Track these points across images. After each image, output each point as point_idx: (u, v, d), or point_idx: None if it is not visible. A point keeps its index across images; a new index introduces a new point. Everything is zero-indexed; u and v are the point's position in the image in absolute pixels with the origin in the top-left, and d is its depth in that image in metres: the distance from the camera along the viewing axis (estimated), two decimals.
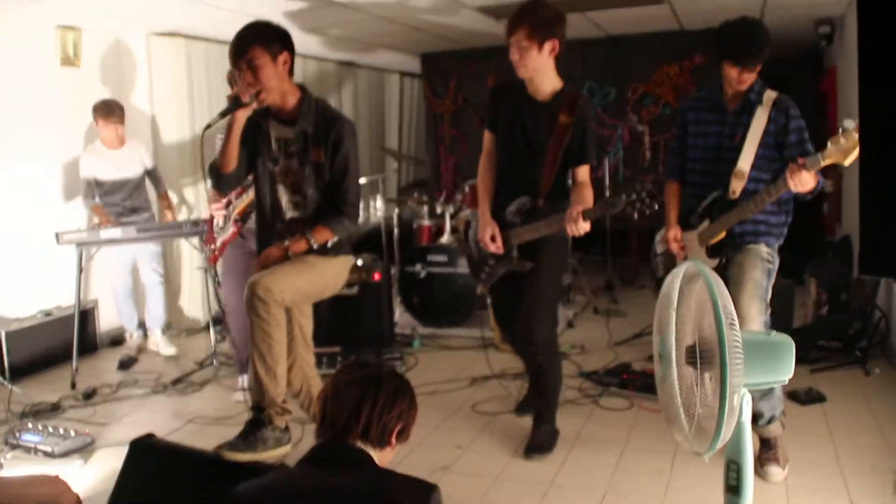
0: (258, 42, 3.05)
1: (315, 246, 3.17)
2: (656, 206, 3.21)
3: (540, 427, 3.71)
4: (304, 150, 3.21)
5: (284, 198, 3.31)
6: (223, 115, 3.07)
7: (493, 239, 3.52)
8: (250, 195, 4.28)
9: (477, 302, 5.60)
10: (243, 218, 4.44)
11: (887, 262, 1.15)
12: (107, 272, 5.66)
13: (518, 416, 4.08)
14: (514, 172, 3.57)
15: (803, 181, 2.90)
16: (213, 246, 4.63)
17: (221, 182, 3.25)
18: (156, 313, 5.63)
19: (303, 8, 5.24)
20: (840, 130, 2.80)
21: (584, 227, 3.24)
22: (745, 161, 3.22)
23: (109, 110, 5.26)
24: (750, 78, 3.19)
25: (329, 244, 3.24)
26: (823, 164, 2.88)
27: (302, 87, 3.26)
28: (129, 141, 5.45)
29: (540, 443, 3.65)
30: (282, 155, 3.26)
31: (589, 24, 6.44)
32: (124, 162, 5.39)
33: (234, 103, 3.05)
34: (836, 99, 6.93)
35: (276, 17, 5.36)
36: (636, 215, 3.20)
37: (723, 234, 3.29)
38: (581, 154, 3.45)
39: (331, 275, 3.32)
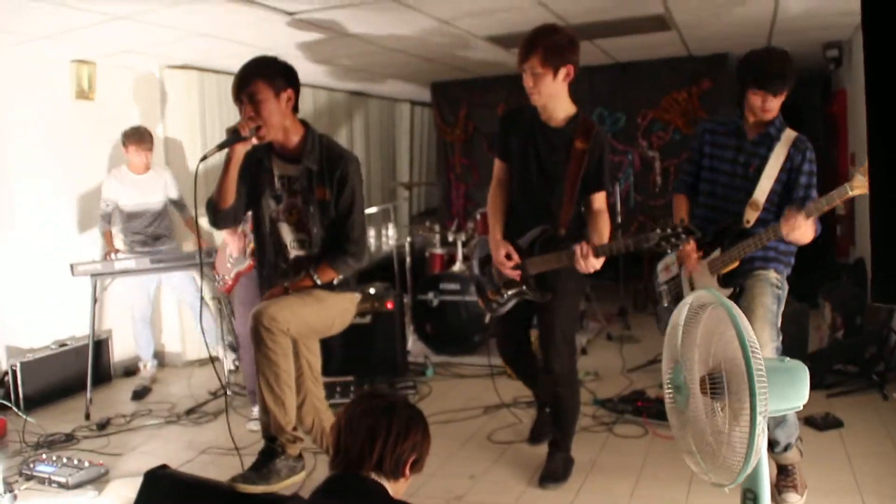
0: (261, 77, 3.01)
1: (319, 283, 3.14)
2: (691, 242, 3.17)
3: (555, 455, 3.68)
4: (308, 188, 3.14)
5: (289, 236, 3.25)
6: (220, 147, 3.00)
7: (508, 258, 3.45)
8: None
9: (489, 330, 5.59)
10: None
11: None
12: (125, 298, 5.68)
13: (531, 445, 4.05)
14: (528, 200, 3.52)
15: (796, 226, 2.93)
16: (225, 276, 4.65)
17: (218, 218, 3.16)
18: (209, 329, 5.55)
19: (315, 39, 5.30)
20: (849, 177, 2.82)
21: (595, 264, 3.21)
22: (761, 193, 3.21)
23: (140, 137, 5.32)
24: (774, 106, 3.18)
25: (335, 281, 3.22)
26: (817, 213, 2.92)
27: (305, 124, 3.21)
28: (155, 167, 5.50)
29: (555, 471, 3.63)
30: (285, 192, 3.20)
31: (597, 51, 6.48)
32: (148, 188, 5.44)
33: (233, 137, 2.99)
34: (845, 122, 6.93)
35: (289, 49, 5.44)
36: (669, 250, 3.13)
37: (736, 264, 3.27)
38: (597, 181, 3.42)
39: (337, 310, 3.28)
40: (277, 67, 3.08)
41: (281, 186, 3.20)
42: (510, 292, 3.59)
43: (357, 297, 3.43)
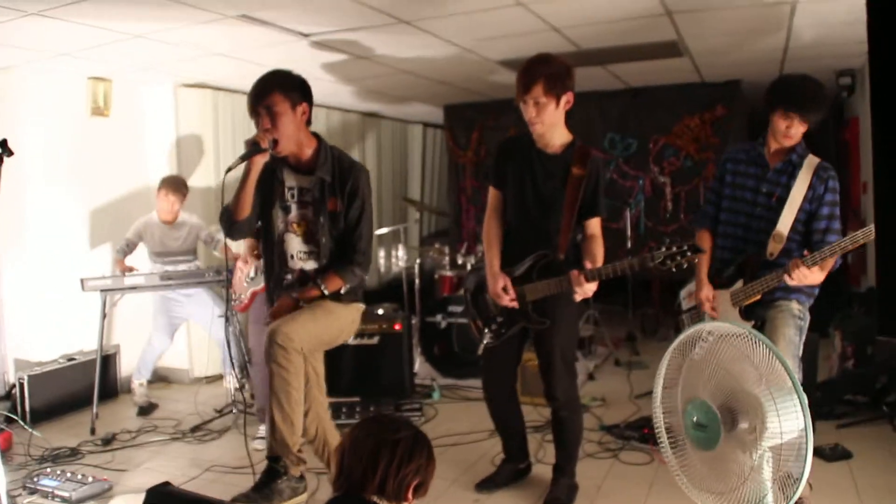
0: (278, 89, 3.10)
1: (326, 293, 3.17)
2: (696, 260, 3.12)
3: (559, 481, 3.66)
4: (321, 199, 3.22)
5: (296, 247, 3.30)
6: (243, 159, 3.08)
7: (505, 290, 3.43)
8: None
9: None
10: None
11: None
12: (140, 319, 5.70)
13: (477, 491, 3.80)
14: (525, 228, 3.51)
15: (803, 279, 2.95)
16: (242, 295, 4.65)
17: (233, 229, 3.25)
18: (236, 356, 5.55)
19: (329, 61, 5.34)
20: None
21: (590, 287, 3.21)
22: (784, 224, 3.19)
23: (174, 186, 5.38)
24: (798, 133, 3.17)
25: (343, 290, 3.25)
26: (821, 262, 2.92)
27: (318, 137, 3.28)
28: (182, 216, 5.51)
29: (559, 497, 3.59)
30: (295, 203, 3.27)
31: (609, 76, 6.51)
32: (175, 236, 5.48)
33: (253, 149, 3.06)
34: (857, 150, 6.91)
35: (303, 70, 5.48)
36: (674, 269, 3.06)
37: (758, 297, 3.25)
38: (594, 206, 3.43)
39: (346, 321, 3.33)
40: (294, 81, 3.18)
41: (290, 197, 3.28)
42: (507, 322, 3.55)
43: (362, 307, 3.47)
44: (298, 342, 3.02)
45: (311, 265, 3.30)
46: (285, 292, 3.27)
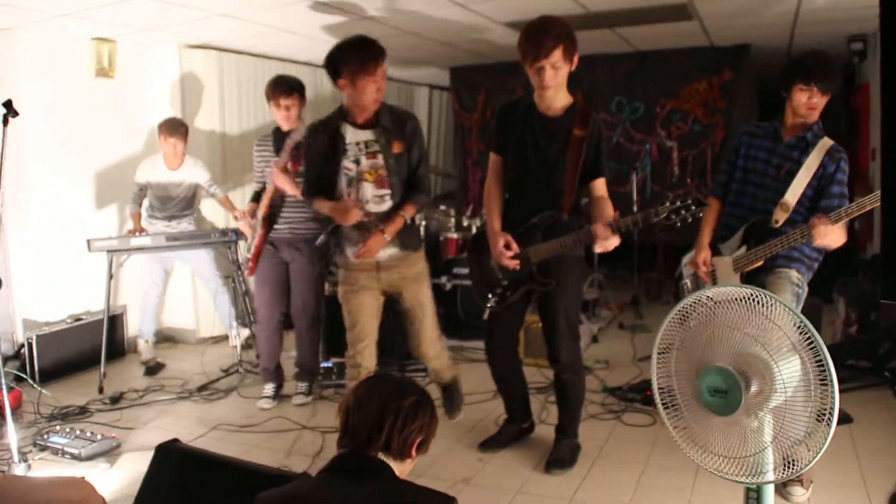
0: (383, 59, 3.53)
1: (408, 220, 3.63)
2: (701, 214, 3.10)
3: (562, 442, 3.70)
4: (386, 146, 3.55)
5: (370, 193, 3.58)
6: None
7: (507, 248, 3.43)
8: (269, 191, 4.44)
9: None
10: (271, 215, 4.52)
11: None
12: (142, 277, 5.74)
13: (481, 450, 3.90)
14: (528, 190, 3.52)
15: (826, 234, 2.96)
16: (248, 256, 4.71)
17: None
18: (224, 317, 5.73)
19: (334, 22, 5.30)
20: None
21: (614, 241, 3.19)
22: (793, 195, 3.20)
23: (172, 127, 5.39)
24: (819, 104, 3.18)
25: (415, 218, 3.78)
26: (846, 219, 2.93)
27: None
28: (188, 159, 5.52)
29: (561, 457, 3.65)
30: (364, 155, 3.57)
31: (618, 39, 6.44)
32: (177, 181, 5.50)
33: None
34: (867, 116, 6.86)
35: (308, 31, 5.45)
36: (679, 223, 3.01)
37: (761, 263, 3.26)
38: (597, 167, 3.42)
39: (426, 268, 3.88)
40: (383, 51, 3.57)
41: (359, 150, 3.58)
42: (511, 285, 3.56)
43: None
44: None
45: (385, 206, 3.59)
46: (368, 233, 3.56)
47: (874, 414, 4.20)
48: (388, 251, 3.63)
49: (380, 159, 3.56)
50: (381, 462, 1.85)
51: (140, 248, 5.16)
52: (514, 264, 3.45)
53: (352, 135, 3.58)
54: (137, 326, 5.73)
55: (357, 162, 3.57)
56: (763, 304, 1.89)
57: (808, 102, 3.17)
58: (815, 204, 3.20)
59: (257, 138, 4.80)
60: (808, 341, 1.82)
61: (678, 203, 2.99)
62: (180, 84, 6.14)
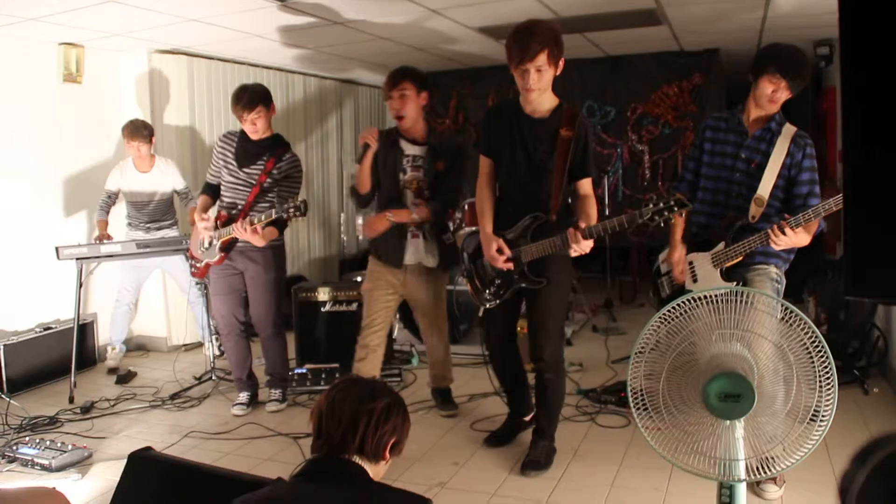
0: (411, 79, 4.09)
1: (416, 217, 4.11)
2: (682, 215, 3.21)
3: (538, 444, 3.71)
4: (430, 163, 4.12)
5: (410, 200, 4.15)
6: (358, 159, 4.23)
7: (500, 252, 3.50)
8: (232, 232, 4.29)
9: (476, 319, 5.59)
10: (227, 247, 4.44)
11: (872, 285, 1.17)
12: (114, 284, 5.68)
13: (487, 445, 4.00)
14: (518, 192, 3.57)
15: (784, 241, 3.05)
16: (197, 263, 4.63)
17: (360, 201, 4.29)
18: (201, 325, 5.61)
19: (305, 26, 5.28)
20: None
21: (587, 245, 3.27)
22: (765, 188, 3.24)
23: (132, 130, 5.31)
24: (782, 98, 3.22)
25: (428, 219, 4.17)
26: (805, 224, 3.00)
27: (427, 121, 4.26)
28: (158, 161, 5.46)
29: (537, 459, 3.66)
30: (409, 167, 4.14)
31: (588, 44, 6.49)
32: (150, 184, 5.44)
33: (363, 149, 4.17)
34: (834, 119, 6.97)
35: (278, 36, 5.43)
36: (662, 224, 3.12)
37: (740, 258, 3.30)
38: (584, 167, 3.49)
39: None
40: (422, 74, 4.19)
41: (407, 163, 4.15)
42: (504, 284, 3.63)
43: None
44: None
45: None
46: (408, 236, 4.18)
47: (844, 411, 4.23)
48: (417, 259, 4.18)
49: (420, 173, 4.15)
50: (356, 465, 1.84)
51: (110, 256, 5.10)
52: (506, 266, 3.52)
53: (407, 148, 4.18)
54: (107, 334, 5.66)
55: (405, 171, 4.16)
56: (762, 303, 1.92)
57: (771, 95, 3.21)
58: (788, 194, 3.26)
59: (225, 132, 4.67)
60: (800, 341, 1.84)
61: (661, 205, 3.08)
62: (149, 89, 6.08)
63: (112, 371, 5.44)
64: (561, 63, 3.38)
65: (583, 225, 3.28)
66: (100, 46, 5.71)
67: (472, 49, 6.44)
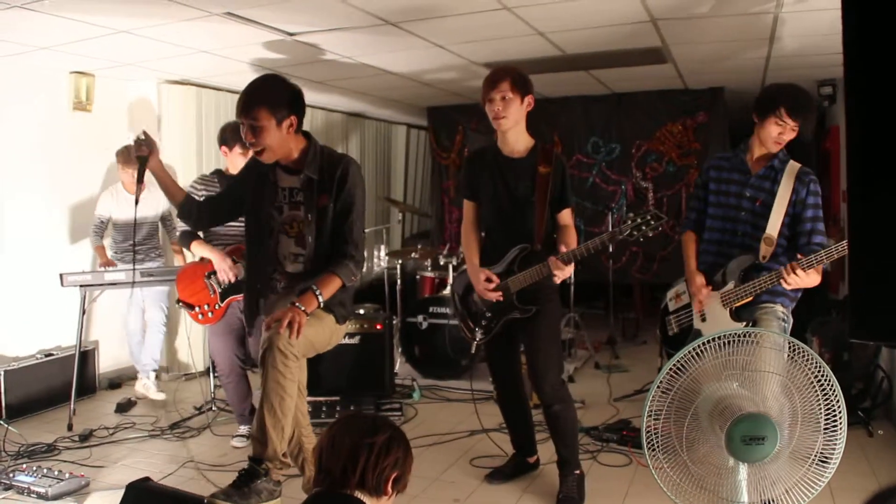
0: (266, 106, 3.02)
1: (322, 300, 3.04)
2: (660, 228, 3.32)
3: (567, 478, 3.69)
4: (310, 197, 3.17)
5: (288, 249, 3.25)
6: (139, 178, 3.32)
7: (489, 282, 3.57)
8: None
9: (478, 355, 5.58)
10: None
11: (876, 327, 1.16)
12: (118, 315, 5.69)
13: (489, 482, 3.96)
14: (503, 229, 3.66)
15: (795, 282, 3.05)
16: (206, 308, 4.48)
17: (182, 213, 3.56)
18: (153, 355, 5.60)
19: (315, 61, 5.34)
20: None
21: (568, 270, 3.36)
22: (773, 227, 3.25)
23: (127, 158, 5.31)
24: (787, 139, 3.24)
25: (339, 296, 3.17)
26: (818, 265, 2.99)
27: (308, 136, 3.22)
28: (149, 186, 5.49)
29: (571, 496, 3.63)
30: (286, 204, 3.23)
31: (594, 81, 6.54)
32: (140, 209, 5.43)
33: (140, 162, 3.29)
34: (838, 158, 6.99)
35: (288, 69, 5.48)
36: (641, 239, 3.33)
37: (750, 298, 3.29)
38: (563, 199, 3.61)
39: (337, 330, 3.29)
40: (282, 96, 3.07)
41: (283, 198, 3.23)
42: (495, 316, 3.67)
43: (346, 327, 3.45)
44: (298, 348, 2.95)
45: (297, 268, 3.24)
46: (280, 298, 3.20)
47: (848, 453, 4.15)
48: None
49: (301, 212, 3.22)
50: (358, 500, 1.83)
51: (114, 284, 5.10)
52: (496, 296, 3.57)
53: (281, 180, 3.25)
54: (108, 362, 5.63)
55: (280, 210, 3.28)
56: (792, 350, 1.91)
57: (777, 137, 3.24)
58: (794, 231, 3.27)
59: (198, 177, 4.66)
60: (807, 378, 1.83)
61: (638, 220, 3.29)
62: (158, 119, 6.13)
63: (126, 402, 5.37)
64: (528, 99, 3.52)
65: (563, 249, 3.37)
66: (110, 75, 5.77)
67: (478, 84, 6.48)
